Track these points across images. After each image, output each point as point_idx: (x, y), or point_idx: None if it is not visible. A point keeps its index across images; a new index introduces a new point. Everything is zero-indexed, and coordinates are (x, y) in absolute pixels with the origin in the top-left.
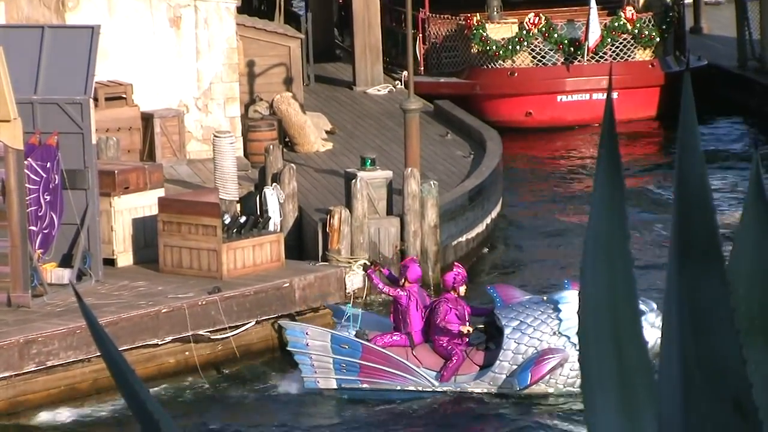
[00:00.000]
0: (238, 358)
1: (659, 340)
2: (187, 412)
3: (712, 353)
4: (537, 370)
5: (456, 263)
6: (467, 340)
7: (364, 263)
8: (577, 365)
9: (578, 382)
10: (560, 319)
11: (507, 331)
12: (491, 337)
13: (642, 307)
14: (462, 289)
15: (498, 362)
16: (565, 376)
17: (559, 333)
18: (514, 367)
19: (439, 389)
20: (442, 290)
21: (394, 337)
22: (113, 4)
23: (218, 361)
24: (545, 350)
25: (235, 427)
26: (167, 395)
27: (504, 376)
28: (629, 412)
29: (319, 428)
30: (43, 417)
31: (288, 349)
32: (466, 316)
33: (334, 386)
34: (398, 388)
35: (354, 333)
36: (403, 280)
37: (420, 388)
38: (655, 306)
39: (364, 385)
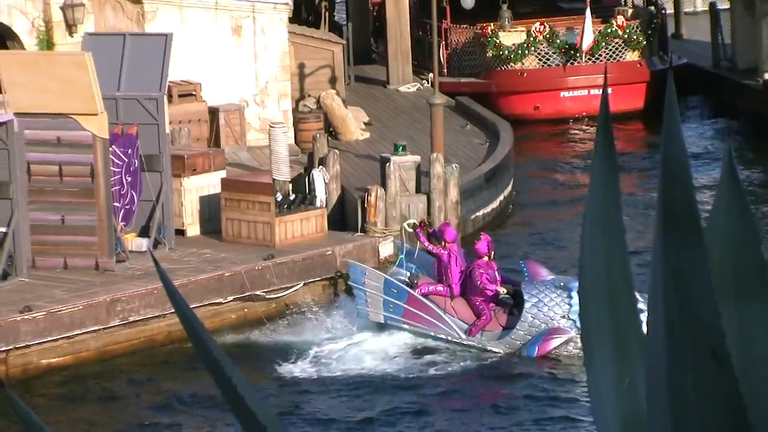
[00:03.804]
0: (289, 313)
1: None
2: (247, 358)
3: (692, 309)
4: (544, 345)
5: (483, 232)
6: (497, 299)
7: (413, 222)
8: (579, 346)
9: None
10: (570, 305)
11: (527, 305)
12: (516, 304)
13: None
14: (491, 254)
15: (516, 330)
16: (567, 353)
17: (568, 317)
18: (528, 337)
19: (465, 342)
20: (474, 257)
21: (438, 288)
22: (185, 16)
23: (272, 316)
24: (554, 329)
25: (289, 366)
26: (230, 345)
27: (519, 343)
28: (622, 361)
29: (352, 350)
30: (126, 363)
31: (349, 283)
32: (497, 277)
33: (382, 320)
34: (432, 333)
35: (408, 275)
36: (443, 243)
37: (449, 338)
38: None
39: (405, 326)
